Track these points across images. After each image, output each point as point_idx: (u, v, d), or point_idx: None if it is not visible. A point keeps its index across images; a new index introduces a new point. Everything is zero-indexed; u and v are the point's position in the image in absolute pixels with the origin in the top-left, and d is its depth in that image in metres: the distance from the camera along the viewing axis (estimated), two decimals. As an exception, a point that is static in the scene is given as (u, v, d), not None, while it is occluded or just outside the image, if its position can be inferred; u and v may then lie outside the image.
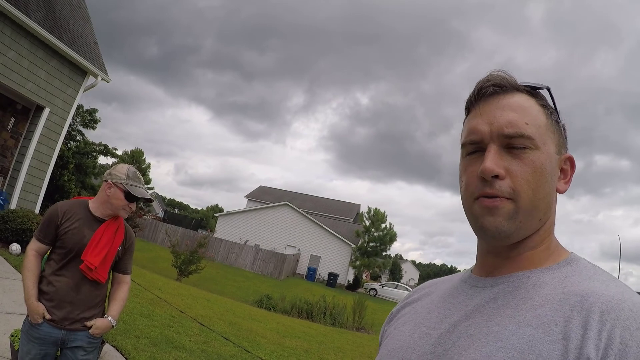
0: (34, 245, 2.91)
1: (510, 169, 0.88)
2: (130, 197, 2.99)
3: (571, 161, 0.97)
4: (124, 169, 3.06)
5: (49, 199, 13.22)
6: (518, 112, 0.90)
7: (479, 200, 0.90)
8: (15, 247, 9.35)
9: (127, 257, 3.17)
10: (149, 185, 48.09)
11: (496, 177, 0.87)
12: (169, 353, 6.31)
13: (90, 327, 2.86)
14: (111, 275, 3.14)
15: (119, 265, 3.13)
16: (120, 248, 3.05)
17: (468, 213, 0.94)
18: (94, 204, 3.01)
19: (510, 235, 0.89)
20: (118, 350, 5.69)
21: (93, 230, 2.90)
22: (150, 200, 3.17)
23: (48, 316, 2.77)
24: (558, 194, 0.96)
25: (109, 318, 2.95)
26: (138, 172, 3.09)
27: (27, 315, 2.82)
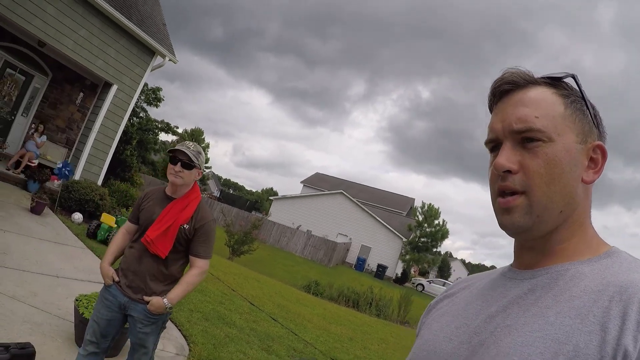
0: (125, 224, 3.29)
1: (523, 162, 0.89)
2: (171, 159, 3.06)
3: (601, 149, 0.93)
4: None
5: (112, 172, 13.66)
6: (529, 107, 0.91)
7: (498, 200, 0.92)
8: (77, 216, 9.74)
9: (197, 238, 3.08)
10: (206, 165, 49.03)
11: (509, 172, 0.89)
12: (220, 328, 6.45)
13: (148, 302, 2.95)
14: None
15: (190, 247, 3.10)
16: (186, 226, 3.03)
17: (493, 209, 0.96)
18: (167, 186, 3.18)
19: (530, 229, 0.90)
20: (172, 322, 5.86)
21: (163, 208, 3.06)
22: (189, 158, 3.03)
23: (117, 278, 3.02)
24: (587, 184, 0.93)
25: (165, 300, 2.95)
26: (188, 141, 3.16)
27: None
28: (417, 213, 43.43)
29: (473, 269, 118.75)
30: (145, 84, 17.71)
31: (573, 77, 0.94)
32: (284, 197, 46.43)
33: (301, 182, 57.19)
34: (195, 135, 47.46)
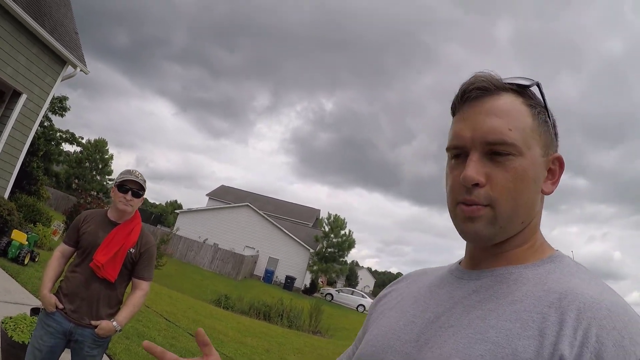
0: (60, 247, 3.27)
1: (491, 175, 0.88)
2: (120, 187, 3.14)
3: (560, 161, 0.95)
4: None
5: (18, 185, 13.04)
6: (502, 117, 0.89)
7: (459, 207, 0.91)
8: (-15, 233, 9.28)
9: (142, 261, 3.18)
10: (110, 177, 47.44)
11: (476, 185, 0.87)
12: (141, 346, 6.40)
13: (96, 327, 2.98)
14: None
15: (135, 270, 3.17)
16: (133, 250, 3.12)
17: (451, 215, 0.95)
18: (109, 210, 3.27)
19: (492, 239, 0.90)
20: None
21: (107, 232, 3.11)
22: (140, 186, 3.18)
23: (60, 305, 3.00)
24: (545, 195, 0.95)
25: (114, 322, 3.00)
26: (134, 170, 3.26)
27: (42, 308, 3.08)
28: (324, 224, 43.92)
29: (380, 276, 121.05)
30: (52, 93, 17.06)
31: (538, 85, 0.93)
32: (190, 210, 45.69)
33: (207, 194, 56.39)
34: (99, 146, 45.75)
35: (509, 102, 0.90)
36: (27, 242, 8.94)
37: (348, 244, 42.36)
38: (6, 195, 11.47)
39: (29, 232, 9.53)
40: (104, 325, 2.98)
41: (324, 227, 43.53)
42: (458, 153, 0.94)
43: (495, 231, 0.89)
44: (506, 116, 0.88)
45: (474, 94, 0.92)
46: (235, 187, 63.28)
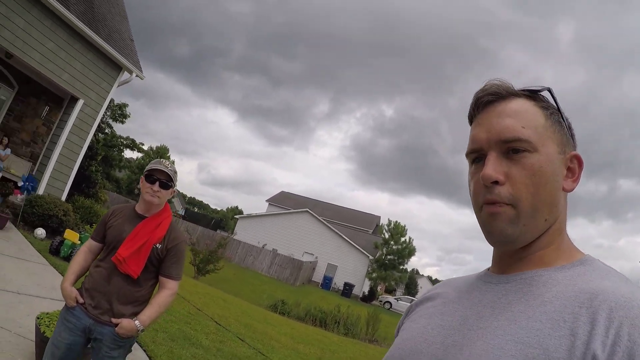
0: (87, 242, 3.11)
1: (509, 173, 0.90)
2: (148, 177, 2.97)
3: (578, 159, 0.97)
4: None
5: (76, 188, 13.39)
6: (514, 117, 0.93)
7: (484, 207, 0.93)
8: (40, 232, 9.51)
9: (169, 258, 2.99)
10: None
11: (496, 182, 0.90)
12: (187, 349, 6.33)
13: (117, 325, 2.82)
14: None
15: (162, 267, 3.00)
16: (159, 246, 2.94)
17: (478, 219, 0.97)
18: (138, 203, 3.09)
19: (517, 239, 0.91)
20: (137, 342, 5.72)
21: (133, 226, 2.95)
22: (168, 177, 2.98)
23: (81, 300, 2.85)
24: (566, 192, 0.96)
25: (136, 322, 2.83)
26: (164, 160, 3.08)
27: None
28: (384, 231, 43.61)
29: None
30: (112, 100, 17.52)
31: (549, 90, 0.97)
32: (250, 216, 46.21)
33: (267, 200, 56.99)
34: (161, 153, 47.08)
35: (520, 104, 0.95)
36: (79, 242, 9.07)
37: (408, 251, 41.85)
38: (63, 197, 11.83)
39: (82, 232, 9.69)
40: (125, 324, 2.79)
41: (384, 234, 43.23)
42: (477, 157, 0.97)
43: (520, 230, 0.90)
44: (518, 116, 0.93)
45: (486, 99, 0.97)
46: (295, 193, 63.62)
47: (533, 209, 0.89)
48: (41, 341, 3.99)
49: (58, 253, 8.67)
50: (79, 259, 3.04)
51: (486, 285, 0.99)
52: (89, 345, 2.92)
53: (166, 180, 2.95)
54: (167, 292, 2.97)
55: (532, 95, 0.97)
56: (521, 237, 0.91)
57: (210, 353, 6.65)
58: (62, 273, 7.49)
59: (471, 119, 1.02)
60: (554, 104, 0.98)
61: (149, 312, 2.88)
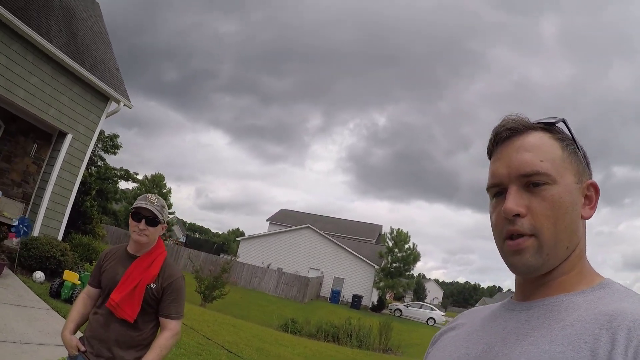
0: (85, 289, 3.05)
1: (530, 206, 0.93)
2: (134, 215, 2.85)
3: (594, 187, 1.00)
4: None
5: (72, 225, 13.16)
6: (532, 151, 0.96)
7: (506, 242, 0.95)
8: (39, 275, 9.32)
9: (167, 297, 2.87)
10: (170, 211, 48.28)
11: (517, 215, 0.93)
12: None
13: None
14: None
15: (160, 308, 2.87)
16: (153, 285, 2.82)
17: (500, 253, 0.99)
18: (129, 243, 2.98)
19: (540, 268, 0.94)
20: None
21: (126, 267, 2.85)
22: (153, 214, 2.86)
23: (82, 348, 2.75)
24: (585, 220, 0.99)
25: None
26: (150, 195, 2.98)
27: None
28: (387, 239, 43.66)
29: (447, 287, 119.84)
30: (102, 131, 17.35)
31: (564, 121, 1.01)
32: (251, 237, 46.31)
33: (267, 219, 57.13)
34: (157, 181, 46.89)
35: (537, 137, 0.98)
36: (79, 282, 8.86)
37: (413, 257, 41.87)
38: (60, 236, 11.59)
39: (82, 272, 9.47)
40: None
41: (388, 243, 43.24)
42: (498, 191, 1.00)
43: (543, 260, 0.93)
44: (537, 149, 0.96)
45: (505, 134, 1.01)
46: (295, 209, 63.73)
47: (555, 239, 0.92)
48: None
49: (59, 295, 8.46)
50: (78, 307, 2.96)
51: (509, 312, 1.01)
52: None
53: (153, 217, 2.83)
54: (167, 333, 2.84)
55: (548, 127, 1.00)
56: (544, 266, 0.94)
57: (224, 383, 6.43)
58: (65, 316, 7.28)
59: (490, 153, 1.06)
60: (569, 135, 1.01)
61: (150, 357, 2.76)
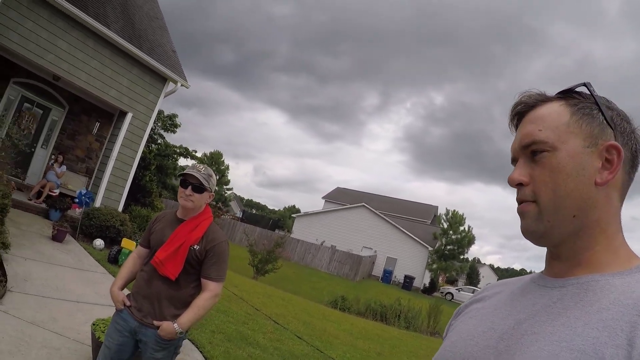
0: (136, 249, 3.26)
1: (533, 174, 0.96)
2: (182, 182, 3.03)
3: (616, 149, 0.92)
4: None
5: (132, 198, 13.80)
6: (535, 123, 0.98)
7: (517, 208, 0.99)
8: (99, 242, 9.91)
9: (209, 260, 2.99)
10: (228, 187, 49.15)
11: (520, 185, 0.97)
12: (243, 349, 6.39)
13: (159, 327, 2.86)
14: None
15: (202, 269, 3.01)
16: (197, 247, 2.96)
17: None
18: (178, 208, 3.15)
19: (544, 235, 0.94)
20: (193, 344, 5.85)
21: (173, 230, 3.01)
22: (199, 182, 2.99)
23: (128, 302, 2.96)
24: (600, 186, 0.91)
25: (175, 325, 2.86)
26: (199, 164, 3.12)
27: None
28: (442, 221, 42.83)
29: (502, 273, 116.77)
30: (161, 111, 17.93)
31: (585, 85, 0.98)
32: (306, 214, 46.40)
33: (322, 197, 57.05)
34: (215, 158, 47.73)
35: (545, 108, 0.99)
36: (136, 250, 9.26)
37: (468, 240, 40.94)
38: (120, 208, 12.28)
39: (139, 240, 9.93)
40: (165, 326, 2.85)
41: (442, 224, 42.44)
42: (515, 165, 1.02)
43: (545, 226, 0.93)
44: (539, 120, 0.97)
45: (517, 109, 1.04)
46: (351, 188, 63.35)
47: (555, 205, 0.92)
48: (97, 346, 4.15)
49: (116, 261, 8.96)
50: (129, 264, 3.16)
51: (541, 289, 0.97)
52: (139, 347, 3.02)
53: (198, 184, 2.98)
54: (207, 294, 2.97)
55: (564, 96, 0.99)
56: (548, 233, 0.93)
57: (267, 352, 6.69)
58: (120, 281, 7.70)
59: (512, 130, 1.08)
60: (592, 97, 0.97)
61: (188, 315, 2.91)
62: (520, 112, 1.03)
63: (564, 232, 0.92)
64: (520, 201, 0.97)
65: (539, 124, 0.96)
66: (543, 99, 1.00)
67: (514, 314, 0.95)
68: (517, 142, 1.00)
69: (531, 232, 0.95)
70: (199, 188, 3.00)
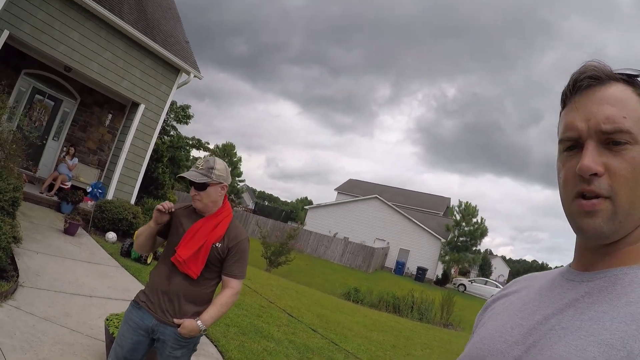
0: None
1: (609, 165, 0.85)
2: (190, 183, 2.96)
3: None
4: None
5: (145, 190, 13.77)
6: (615, 106, 0.86)
7: (577, 201, 0.87)
8: (111, 236, 9.87)
9: (231, 257, 2.95)
10: (240, 178, 49.21)
11: (594, 174, 0.84)
12: (258, 342, 6.37)
13: (179, 325, 2.81)
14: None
15: (224, 267, 2.96)
16: (218, 245, 2.91)
17: (566, 211, 0.91)
18: None
19: (610, 236, 0.86)
20: (208, 338, 5.81)
21: (191, 221, 2.95)
22: (199, 183, 2.91)
23: (171, 205, 2.90)
24: None
25: (198, 322, 2.82)
26: (204, 159, 3.04)
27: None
28: (454, 212, 42.73)
29: (514, 265, 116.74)
30: (174, 102, 17.89)
31: None
32: (319, 206, 46.44)
33: (335, 189, 57.14)
34: (227, 150, 47.82)
35: (619, 91, 0.88)
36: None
37: (480, 232, 40.73)
38: (132, 200, 12.26)
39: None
40: (187, 324, 2.79)
41: (455, 216, 42.31)
42: (571, 145, 0.91)
43: (615, 227, 0.85)
44: (620, 104, 0.86)
45: (585, 82, 0.91)
46: (364, 180, 63.39)
47: (631, 205, 0.84)
48: (110, 342, 4.10)
49: (129, 255, 8.95)
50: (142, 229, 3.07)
51: (568, 283, 0.94)
52: (154, 346, 2.93)
53: (199, 181, 2.90)
54: (229, 291, 2.94)
55: (630, 80, 0.89)
56: (615, 234, 0.86)
57: (282, 345, 6.68)
58: (133, 274, 7.73)
59: (564, 101, 0.96)
60: None
61: (211, 312, 2.87)
62: (586, 86, 0.91)
63: (627, 232, 0.86)
64: (590, 194, 0.85)
65: (621, 109, 0.85)
66: (612, 77, 0.89)
67: (542, 308, 0.93)
68: (593, 124, 0.87)
69: (599, 233, 0.85)
70: (201, 186, 2.92)
